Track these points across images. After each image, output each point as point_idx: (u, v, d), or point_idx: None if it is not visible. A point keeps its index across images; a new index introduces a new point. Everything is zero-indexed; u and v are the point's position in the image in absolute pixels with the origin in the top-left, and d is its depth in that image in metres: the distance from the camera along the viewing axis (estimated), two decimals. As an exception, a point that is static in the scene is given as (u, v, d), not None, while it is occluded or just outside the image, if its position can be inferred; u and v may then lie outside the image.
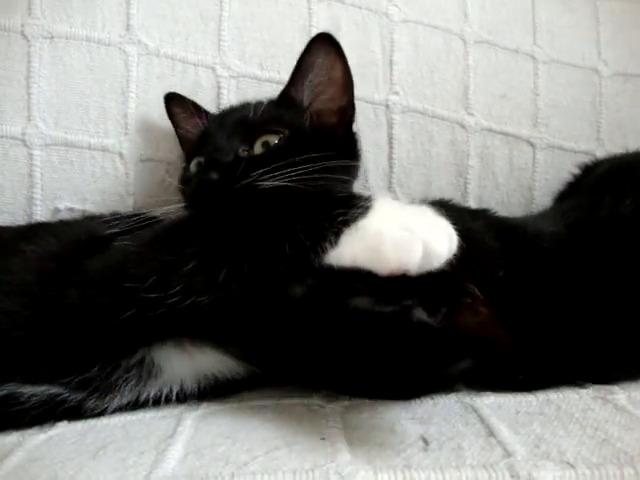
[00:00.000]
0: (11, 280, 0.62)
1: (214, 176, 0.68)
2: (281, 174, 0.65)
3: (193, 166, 0.78)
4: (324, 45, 0.78)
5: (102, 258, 0.61)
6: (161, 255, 0.55)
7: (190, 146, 0.84)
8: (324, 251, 0.50)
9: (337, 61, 0.79)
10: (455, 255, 0.48)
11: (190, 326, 0.59)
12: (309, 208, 0.55)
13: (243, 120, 0.76)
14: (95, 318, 0.57)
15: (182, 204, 0.73)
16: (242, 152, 0.73)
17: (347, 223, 0.50)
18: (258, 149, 0.73)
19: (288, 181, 0.65)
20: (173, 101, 0.90)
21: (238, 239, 0.54)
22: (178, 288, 0.52)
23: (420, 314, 0.47)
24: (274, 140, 0.73)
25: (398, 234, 0.48)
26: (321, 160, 0.68)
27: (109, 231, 0.66)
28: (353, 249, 0.49)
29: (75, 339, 0.58)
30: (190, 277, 0.53)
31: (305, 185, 0.64)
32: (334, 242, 0.50)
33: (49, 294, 0.60)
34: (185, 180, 0.78)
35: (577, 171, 0.98)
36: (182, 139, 0.91)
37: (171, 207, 0.72)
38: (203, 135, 0.79)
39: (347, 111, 0.82)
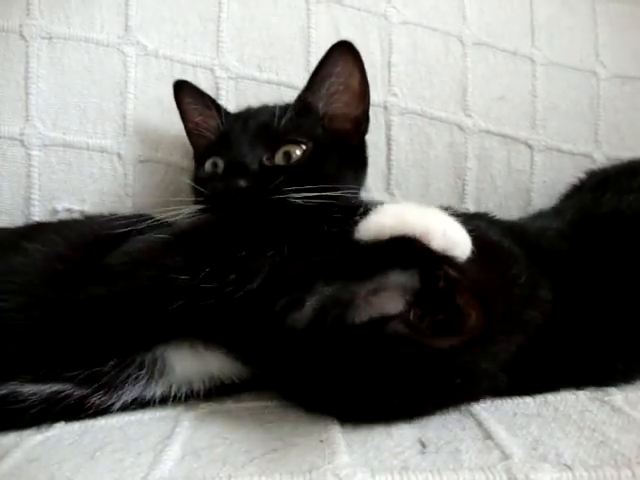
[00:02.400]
0: (17, 279, 0.63)
1: (242, 184, 0.69)
2: (309, 192, 0.67)
3: (209, 166, 0.78)
4: (344, 53, 0.78)
5: (127, 252, 0.62)
6: (210, 248, 0.60)
7: (205, 144, 0.83)
8: (355, 223, 0.56)
9: (355, 69, 0.79)
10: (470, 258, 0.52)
11: (213, 324, 0.60)
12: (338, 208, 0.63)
13: (267, 126, 0.76)
14: (121, 312, 0.59)
15: (198, 206, 0.72)
16: (266, 160, 0.74)
17: (374, 207, 0.58)
18: (279, 158, 0.74)
19: (315, 197, 0.67)
20: (183, 90, 0.87)
21: (276, 230, 0.61)
22: (233, 277, 0.57)
23: (396, 326, 0.49)
24: (295, 150, 0.74)
25: (418, 212, 0.54)
26: (342, 173, 0.76)
27: (114, 231, 0.67)
28: (378, 220, 0.55)
29: (92, 336, 0.59)
30: (243, 264, 0.58)
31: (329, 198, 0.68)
32: (363, 216, 0.56)
33: (61, 294, 0.60)
34: (200, 180, 0.78)
35: (583, 176, 0.99)
36: (191, 133, 0.88)
37: (185, 209, 0.72)
38: (223, 136, 0.79)
39: (362, 122, 0.82)
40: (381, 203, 0.58)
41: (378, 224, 0.54)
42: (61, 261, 0.65)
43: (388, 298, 0.50)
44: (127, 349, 0.60)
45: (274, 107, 0.81)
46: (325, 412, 0.55)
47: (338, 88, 0.79)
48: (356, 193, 0.77)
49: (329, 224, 0.61)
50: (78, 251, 0.66)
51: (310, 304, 0.51)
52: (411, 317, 0.49)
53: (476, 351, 0.51)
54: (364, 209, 0.59)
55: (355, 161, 0.82)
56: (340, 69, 0.78)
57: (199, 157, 0.83)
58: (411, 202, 0.60)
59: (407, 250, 0.51)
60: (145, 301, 0.59)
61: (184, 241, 0.63)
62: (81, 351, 0.59)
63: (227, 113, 0.84)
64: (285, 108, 0.79)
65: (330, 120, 0.79)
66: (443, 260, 0.50)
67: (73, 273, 0.63)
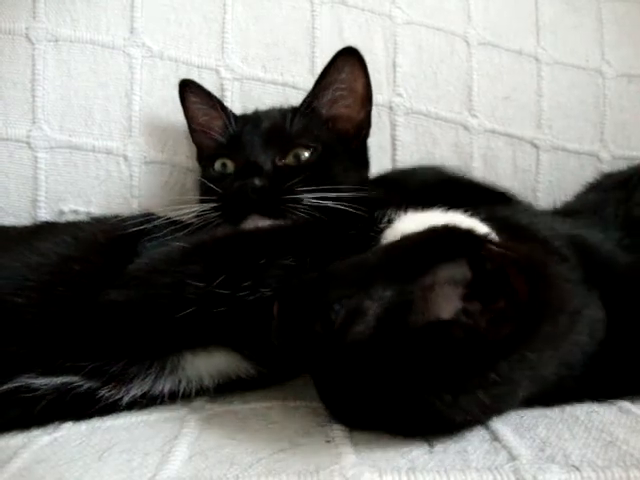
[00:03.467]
0: (32, 277, 0.64)
1: (257, 182, 0.71)
2: (321, 192, 0.69)
3: (218, 166, 0.79)
4: (349, 59, 0.80)
5: (147, 262, 0.63)
6: (228, 256, 0.61)
7: (211, 144, 0.83)
8: (381, 231, 0.59)
9: (360, 75, 0.81)
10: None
11: (227, 332, 0.61)
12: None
13: (278, 129, 0.78)
14: (136, 318, 0.60)
15: (210, 204, 0.72)
16: (278, 161, 0.76)
17: (397, 214, 0.61)
18: (290, 159, 0.76)
19: (328, 198, 0.69)
20: (189, 89, 0.87)
21: (297, 238, 0.63)
22: (248, 283, 0.57)
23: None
24: (304, 152, 0.76)
25: (443, 216, 0.57)
26: (348, 174, 0.78)
27: (126, 231, 0.69)
28: (404, 227, 0.56)
29: (107, 338, 0.60)
30: (260, 271, 0.59)
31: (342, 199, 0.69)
32: (388, 224, 0.59)
33: (77, 294, 0.62)
34: (209, 179, 0.78)
35: (598, 178, 0.98)
36: (195, 132, 0.89)
37: (197, 207, 0.73)
38: (233, 138, 0.80)
39: (364, 126, 0.84)
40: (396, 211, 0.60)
41: (402, 231, 0.55)
42: (77, 262, 0.66)
43: (443, 296, 0.47)
44: (140, 354, 0.61)
45: (282, 110, 0.83)
46: (376, 427, 0.51)
47: (342, 93, 0.81)
48: (364, 194, 0.77)
49: (351, 229, 0.63)
50: (93, 253, 0.67)
51: (373, 311, 0.48)
52: (468, 317, 0.46)
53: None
54: (388, 218, 0.61)
55: (358, 163, 0.84)
56: (345, 75, 0.80)
57: (207, 157, 0.84)
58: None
59: (449, 242, 0.50)
60: (160, 309, 0.59)
61: (202, 250, 0.64)
62: (95, 350, 0.60)
63: (235, 115, 0.85)
64: (293, 111, 0.81)
65: (334, 124, 0.81)
66: (485, 239, 0.49)
67: (90, 275, 0.64)
